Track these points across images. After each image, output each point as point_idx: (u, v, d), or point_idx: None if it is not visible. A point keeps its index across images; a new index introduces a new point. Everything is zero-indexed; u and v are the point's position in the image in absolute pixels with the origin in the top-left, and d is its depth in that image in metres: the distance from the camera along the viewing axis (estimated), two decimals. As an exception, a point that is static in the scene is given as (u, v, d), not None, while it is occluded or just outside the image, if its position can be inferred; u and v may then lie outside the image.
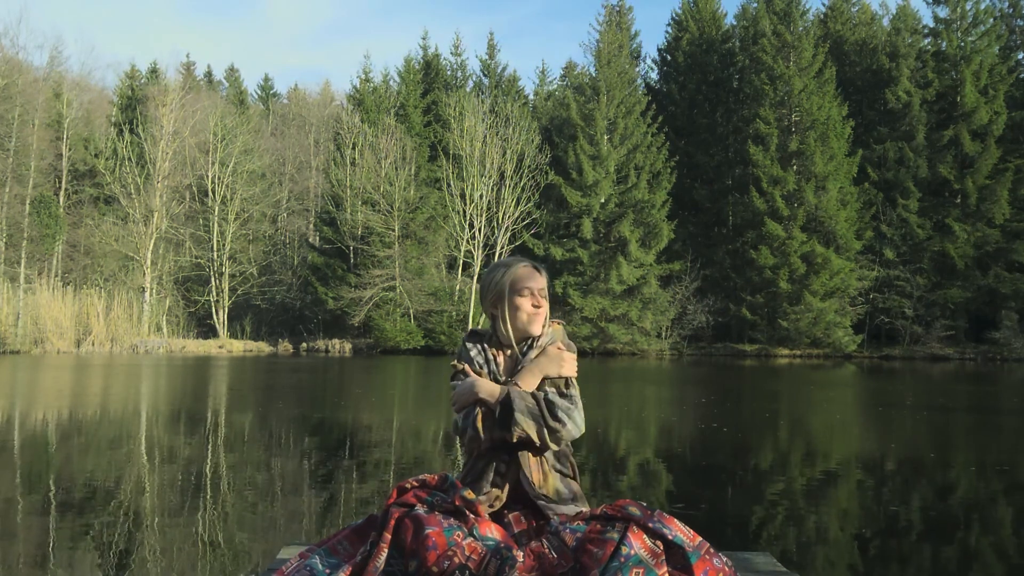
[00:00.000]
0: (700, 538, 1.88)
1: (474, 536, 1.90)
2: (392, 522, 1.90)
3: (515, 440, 2.13)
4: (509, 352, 2.28)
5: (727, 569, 1.88)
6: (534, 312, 2.27)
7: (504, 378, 2.24)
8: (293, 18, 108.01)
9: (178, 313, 42.58)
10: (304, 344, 41.55)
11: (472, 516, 1.95)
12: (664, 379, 21.08)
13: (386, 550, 1.87)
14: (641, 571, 1.78)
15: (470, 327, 37.69)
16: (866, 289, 38.85)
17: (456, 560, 1.82)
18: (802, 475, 6.46)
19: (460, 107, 41.56)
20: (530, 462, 2.17)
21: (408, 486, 2.03)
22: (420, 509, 1.92)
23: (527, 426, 2.12)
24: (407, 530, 1.87)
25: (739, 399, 14.69)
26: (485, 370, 2.27)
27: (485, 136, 40.66)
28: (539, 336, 2.29)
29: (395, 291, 39.49)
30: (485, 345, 2.31)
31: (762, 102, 40.68)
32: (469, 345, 2.31)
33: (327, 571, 1.90)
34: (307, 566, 1.92)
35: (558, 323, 2.36)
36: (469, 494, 2.00)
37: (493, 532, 1.95)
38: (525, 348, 2.27)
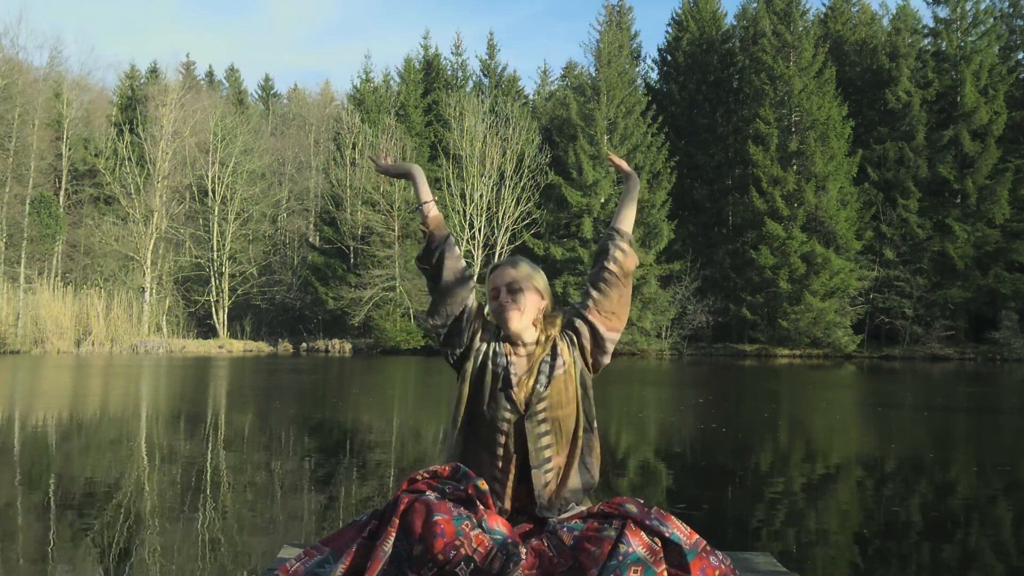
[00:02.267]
0: (697, 536, 1.88)
1: (482, 528, 1.89)
2: (401, 507, 1.89)
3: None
4: (526, 357, 2.23)
5: (724, 567, 1.88)
6: (503, 310, 2.22)
7: (515, 380, 2.18)
8: (293, 18, 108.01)
9: (178, 313, 42.57)
10: (304, 344, 41.54)
11: (482, 507, 1.94)
12: (664, 379, 21.08)
13: (394, 534, 1.87)
14: (640, 569, 1.78)
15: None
16: (866, 289, 38.85)
17: (462, 551, 1.81)
18: (802, 475, 6.46)
19: (460, 107, 41.56)
20: (557, 474, 2.14)
21: (419, 477, 2.03)
22: (431, 495, 1.92)
23: None
24: (416, 514, 1.86)
25: (739, 399, 14.69)
26: (494, 359, 2.22)
27: (485, 136, 40.66)
28: (542, 336, 2.24)
29: (395, 291, 39.48)
30: (502, 342, 2.25)
31: (762, 102, 40.69)
32: (487, 328, 2.27)
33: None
34: (313, 572, 1.91)
35: (557, 318, 2.30)
36: (482, 484, 1.99)
37: (501, 526, 1.94)
38: (547, 364, 2.21)
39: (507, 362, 2.20)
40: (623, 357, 36.82)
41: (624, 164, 2.45)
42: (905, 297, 38.55)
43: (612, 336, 2.27)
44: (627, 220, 2.36)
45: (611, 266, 2.28)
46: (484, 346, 2.24)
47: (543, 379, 2.18)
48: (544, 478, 2.13)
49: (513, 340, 2.24)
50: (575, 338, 2.25)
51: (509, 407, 2.15)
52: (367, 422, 10.00)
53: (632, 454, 7.53)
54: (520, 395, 2.16)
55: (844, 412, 12.27)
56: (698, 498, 5.40)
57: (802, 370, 26.54)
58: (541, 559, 1.86)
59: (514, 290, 2.22)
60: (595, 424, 2.25)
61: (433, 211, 2.35)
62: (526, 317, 2.22)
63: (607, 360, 2.29)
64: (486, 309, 2.33)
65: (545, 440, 2.14)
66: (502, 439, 2.14)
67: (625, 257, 2.29)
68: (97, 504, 4.87)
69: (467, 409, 2.21)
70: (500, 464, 2.14)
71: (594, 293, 2.27)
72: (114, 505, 4.85)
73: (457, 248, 2.34)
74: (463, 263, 2.32)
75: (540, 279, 2.28)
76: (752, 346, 39.47)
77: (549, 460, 2.14)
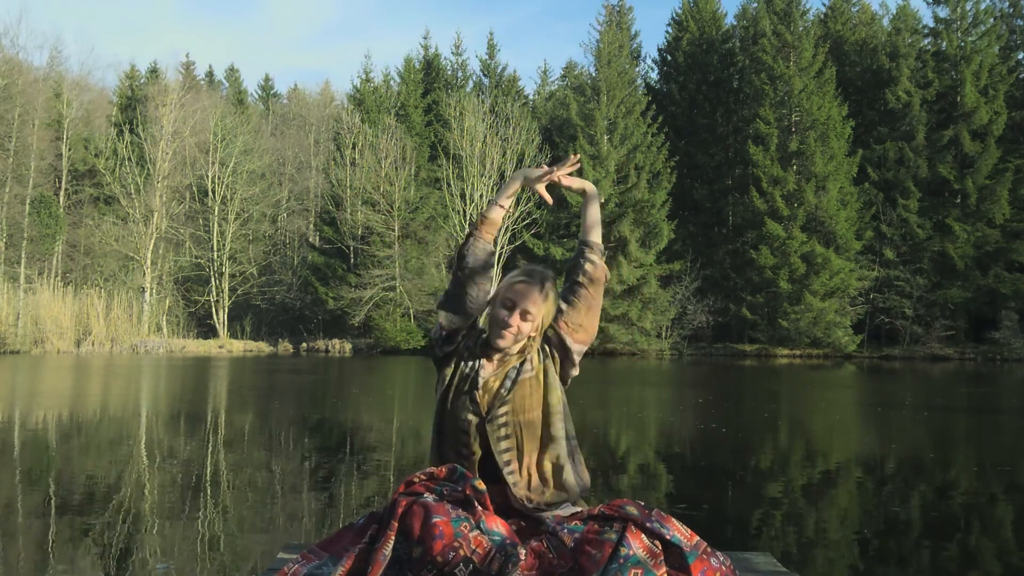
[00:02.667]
0: (698, 537, 1.88)
1: (481, 529, 1.89)
2: (400, 510, 1.89)
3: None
4: (497, 362, 2.25)
5: (724, 568, 1.87)
6: (504, 327, 2.21)
7: (482, 383, 2.21)
8: (293, 18, 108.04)
9: (178, 313, 42.57)
10: (304, 344, 41.55)
11: (480, 508, 1.95)
12: (664, 379, 21.07)
13: (394, 537, 1.87)
14: (640, 572, 1.78)
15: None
16: (866, 289, 38.86)
17: (461, 552, 1.81)
18: (802, 475, 6.46)
19: (460, 107, 41.56)
20: (521, 476, 2.16)
21: (415, 479, 2.03)
22: (429, 497, 1.93)
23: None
24: (415, 516, 1.87)
25: (739, 399, 14.69)
26: (467, 360, 2.26)
27: (485, 136, 40.67)
28: (516, 353, 2.25)
29: (395, 291, 39.50)
30: (483, 347, 2.28)
31: (762, 102, 40.70)
32: (480, 338, 2.29)
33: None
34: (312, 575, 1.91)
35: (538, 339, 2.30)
36: (480, 484, 1.99)
37: (499, 527, 1.94)
38: (515, 370, 2.22)
39: (478, 365, 2.23)
40: (623, 357, 36.82)
41: (575, 182, 2.39)
42: (905, 297, 38.56)
43: (579, 348, 2.29)
44: (594, 231, 2.37)
45: (581, 279, 2.30)
46: (464, 351, 2.27)
47: (508, 383, 2.20)
48: (510, 479, 2.15)
49: (494, 349, 2.26)
50: (547, 347, 2.28)
51: (472, 409, 2.19)
52: (367, 422, 9.99)
53: (632, 454, 7.53)
54: (484, 398, 2.19)
55: (844, 412, 12.27)
56: (698, 498, 5.40)
57: (802, 370, 26.54)
58: (541, 560, 1.86)
59: (526, 318, 2.22)
60: (570, 430, 2.25)
61: (495, 213, 2.32)
62: (518, 342, 2.24)
63: (575, 372, 2.31)
64: (481, 319, 2.33)
65: (504, 444, 2.16)
66: (466, 439, 2.18)
67: (595, 268, 2.31)
68: (97, 504, 4.87)
69: (439, 410, 2.26)
70: (466, 465, 2.16)
71: (563, 306, 2.29)
72: (114, 505, 4.84)
73: (493, 268, 2.32)
74: (488, 287, 2.30)
75: (550, 313, 2.27)
76: (752, 346, 39.48)
77: (509, 463, 2.16)
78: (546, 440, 2.20)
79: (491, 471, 2.17)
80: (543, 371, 2.24)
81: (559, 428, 2.21)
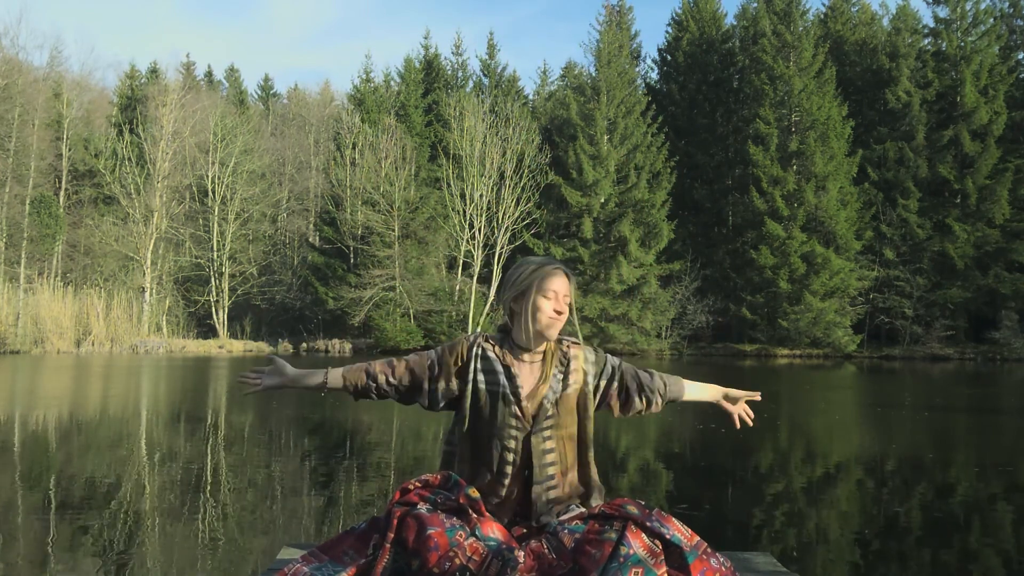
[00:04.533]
0: (698, 538, 1.88)
1: (476, 536, 1.89)
2: (395, 522, 1.89)
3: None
4: (528, 361, 2.20)
5: (724, 569, 1.87)
6: (555, 317, 2.16)
7: (524, 390, 2.14)
8: (293, 18, 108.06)
9: (178, 313, 42.57)
10: (304, 344, 41.55)
11: (475, 515, 1.94)
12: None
13: (391, 550, 1.87)
14: (640, 571, 1.78)
15: (470, 327, 37.77)
16: (866, 289, 38.87)
17: (457, 561, 1.81)
18: (802, 475, 6.46)
19: (460, 107, 41.56)
20: (547, 493, 2.12)
21: (411, 487, 2.03)
22: (423, 508, 1.92)
23: None
24: (409, 529, 1.86)
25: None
26: (489, 381, 2.17)
27: (485, 136, 40.66)
28: (566, 349, 2.23)
29: (395, 291, 39.50)
30: (506, 353, 2.20)
31: (762, 102, 40.70)
32: (490, 345, 2.21)
33: None
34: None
35: (576, 344, 2.27)
36: (474, 492, 1.99)
37: (495, 532, 1.94)
38: (557, 381, 2.18)
39: (510, 375, 2.16)
40: (623, 357, 36.72)
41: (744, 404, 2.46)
42: (905, 297, 38.56)
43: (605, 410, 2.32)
44: (692, 394, 2.39)
45: (643, 400, 2.30)
46: (476, 377, 2.18)
47: (551, 395, 2.15)
48: (546, 495, 2.11)
49: (523, 348, 2.20)
50: (600, 378, 2.25)
51: (515, 424, 2.12)
52: (366, 422, 9.99)
53: (632, 454, 7.53)
54: (528, 409, 2.13)
55: (844, 412, 12.27)
56: (698, 498, 5.40)
57: (802, 370, 26.54)
58: (540, 561, 1.86)
59: (566, 303, 2.20)
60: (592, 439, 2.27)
61: (337, 376, 2.32)
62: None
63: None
64: (464, 346, 2.23)
65: (550, 457, 2.13)
66: (510, 456, 2.12)
67: (650, 410, 2.33)
68: (97, 504, 4.87)
69: (471, 433, 2.17)
70: (507, 482, 2.12)
71: (635, 398, 2.29)
72: (114, 505, 4.84)
73: (380, 376, 2.28)
74: (395, 376, 2.27)
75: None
76: (752, 346, 39.48)
77: (552, 477, 2.12)
78: (580, 450, 2.19)
79: (525, 484, 2.14)
80: (586, 389, 2.22)
81: (588, 439, 2.21)
